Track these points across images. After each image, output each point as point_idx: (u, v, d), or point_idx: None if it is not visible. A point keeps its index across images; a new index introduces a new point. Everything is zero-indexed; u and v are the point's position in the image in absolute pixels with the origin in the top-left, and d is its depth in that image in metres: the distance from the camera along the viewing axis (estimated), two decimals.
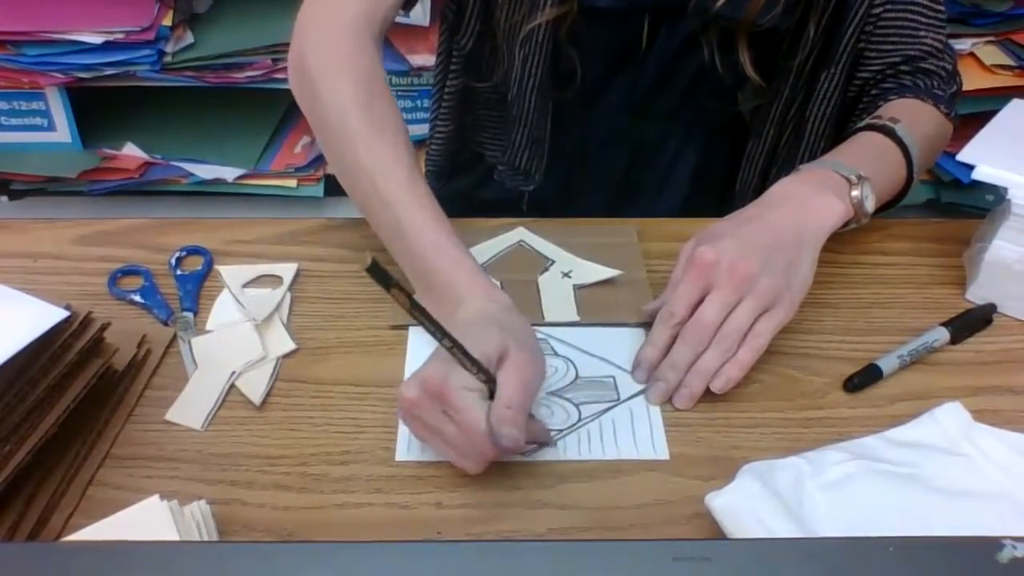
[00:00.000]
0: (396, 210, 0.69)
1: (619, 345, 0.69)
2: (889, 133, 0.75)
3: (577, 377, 0.67)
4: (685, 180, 0.93)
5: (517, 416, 0.56)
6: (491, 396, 0.57)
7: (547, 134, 0.89)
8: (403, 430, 0.62)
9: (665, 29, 0.83)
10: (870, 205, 0.70)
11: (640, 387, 0.66)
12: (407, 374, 0.67)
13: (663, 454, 0.62)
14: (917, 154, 0.75)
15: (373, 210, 0.71)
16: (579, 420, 0.64)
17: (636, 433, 0.63)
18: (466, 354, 0.56)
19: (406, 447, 0.62)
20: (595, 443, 0.62)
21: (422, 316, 0.54)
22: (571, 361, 0.68)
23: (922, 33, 0.82)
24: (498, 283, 0.75)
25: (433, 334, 0.55)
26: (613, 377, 0.67)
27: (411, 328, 0.71)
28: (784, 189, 0.70)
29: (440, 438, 0.58)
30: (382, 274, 0.51)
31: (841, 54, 0.82)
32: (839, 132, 0.88)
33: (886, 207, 0.77)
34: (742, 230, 0.66)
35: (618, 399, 0.65)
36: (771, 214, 0.67)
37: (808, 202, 0.68)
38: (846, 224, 0.70)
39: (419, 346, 0.69)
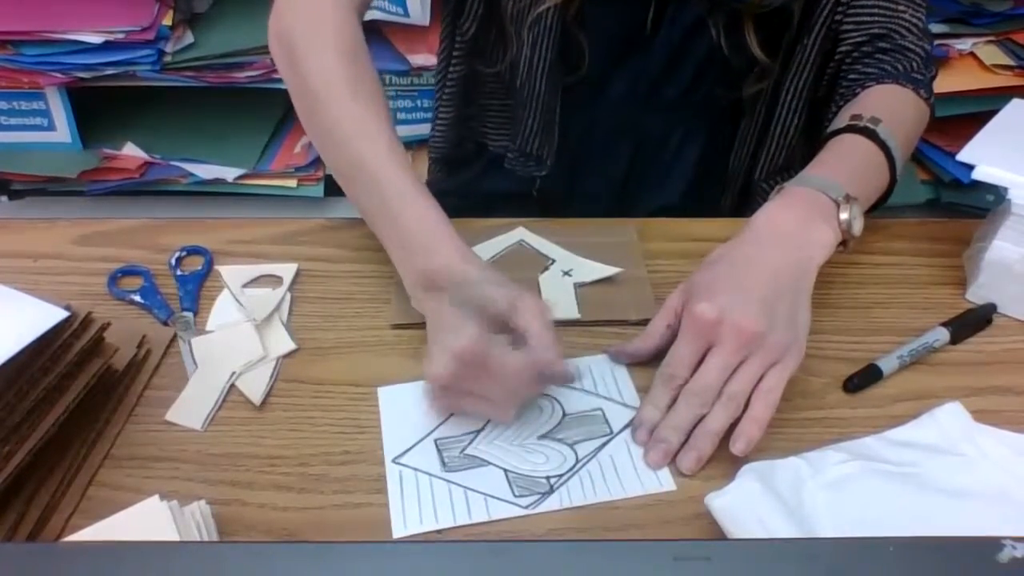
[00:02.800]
0: (377, 173, 0.69)
1: (601, 375, 0.67)
2: (872, 136, 0.73)
3: (564, 414, 0.64)
4: (688, 172, 0.93)
5: (557, 349, 0.61)
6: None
7: (557, 118, 0.89)
8: (394, 501, 0.59)
9: (672, 12, 0.83)
10: (858, 227, 0.68)
11: (631, 415, 0.64)
12: (385, 438, 0.63)
13: (669, 485, 0.60)
14: (900, 155, 0.74)
15: (350, 172, 0.71)
16: (577, 461, 0.61)
17: (637, 466, 0.61)
18: (496, 317, 0.61)
19: (403, 522, 0.58)
20: (598, 483, 0.60)
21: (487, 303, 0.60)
22: (555, 399, 0.65)
23: (901, 8, 0.81)
24: None
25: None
26: (601, 410, 0.65)
27: (378, 388, 0.67)
28: (772, 219, 0.67)
29: (476, 398, 0.61)
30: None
31: (814, 24, 0.81)
32: (814, 112, 0.87)
33: (867, 212, 0.74)
34: (739, 280, 0.63)
35: (611, 432, 0.63)
36: (765, 255, 0.64)
37: (799, 236, 0.65)
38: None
39: (390, 404, 0.66)
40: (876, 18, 0.82)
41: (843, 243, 0.68)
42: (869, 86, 0.80)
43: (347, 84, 0.72)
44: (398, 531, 0.57)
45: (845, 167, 0.71)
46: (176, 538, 0.52)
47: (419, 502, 0.59)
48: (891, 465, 0.58)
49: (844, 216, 0.67)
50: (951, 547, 0.39)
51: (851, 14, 0.82)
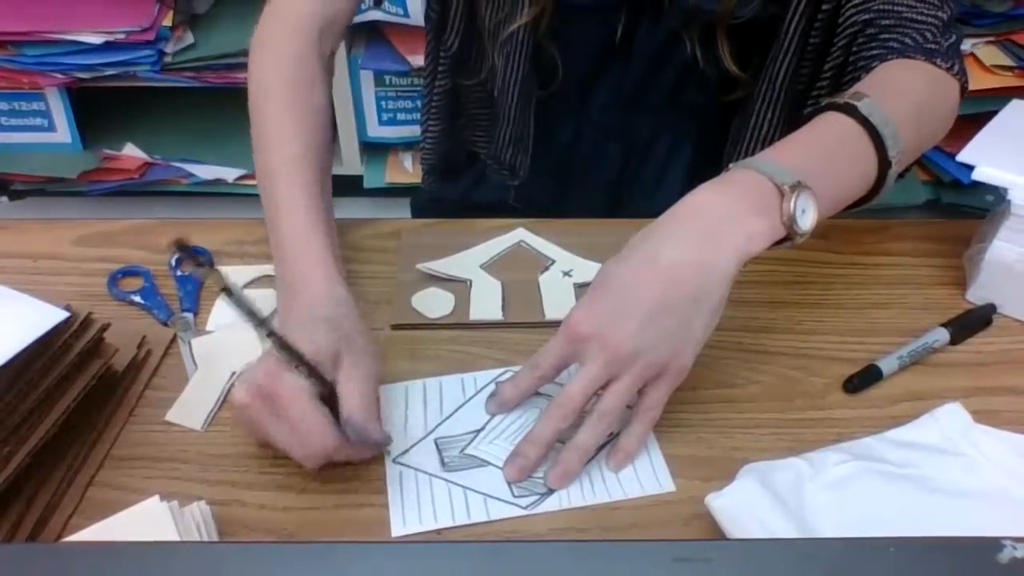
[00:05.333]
0: (275, 181, 0.69)
1: None
2: (851, 112, 0.64)
3: None
4: (682, 174, 0.93)
5: (367, 415, 0.58)
6: (322, 398, 0.57)
7: (530, 130, 0.89)
8: (394, 500, 0.59)
9: (646, 25, 0.83)
10: (807, 221, 0.59)
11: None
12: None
13: (668, 486, 0.60)
14: (894, 132, 0.64)
15: (260, 182, 0.72)
16: None
17: (637, 470, 0.61)
18: (294, 354, 0.56)
19: (402, 521, 0.58)
20: (598, 485, 0.60)
21: (248, 315, 0.55)
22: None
23: None
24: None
25: (261, 332, 0.56)
26: None
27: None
28: (694, 207, 0.60)
29: (274, 438, 0.58)
30: (189, 253, 0.52)
31: (788, 26, 0.79)
32: (801, 106, 0.85)
33: (862, 201, 0.67)
34: (629, 289, 0.58)
35: (611, 433, 0.62)
36: (669, 254, 0.58)
37: (721, 228, 0.58)
38: (780, 242, 0.60)
39: (391, 404, 0.66)
40: None
41: (788, 238, 0.60)
42: (874, 67, 0.72)
43: (281, 93, 0.74)
44: (397, 530, 0.57)
45: (804, 150, 0.63)
46: (176, 538, 0.52)
47: (418, 502, 0.59)
48: (891, 465, 0.58)
49: (788, 206, 0.58)
50: (951, 547, 0.39)
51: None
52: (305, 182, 0.69)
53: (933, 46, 0.73)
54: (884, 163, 0.65)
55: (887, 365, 0.67)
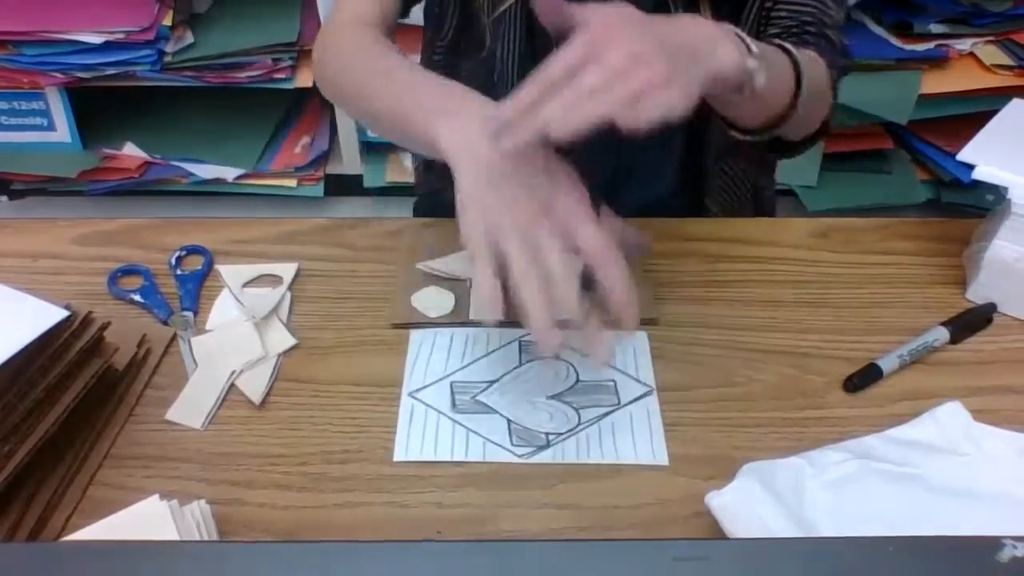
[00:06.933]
0: (395, 75, 0.73)
1: (621, 350, 0.69)
2: (784, 51, 0.72)
3: (578, 380, 0.67)
4: (680, 156, 0.93)
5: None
6: None
7: None
8: (402, 430, 0.63)
9: None
10: (761, 80, 0.65)
11: (642, 391, 0.66)
12: (407, 374, 0.67)
13: (662, 459, 0.61)
14: (806, 82, 0.72)
15: (378, 94, 0.74)
16: (579, 424, 0.63)
17: (636, 438, 0.63)
18: None
19: (405, 449, 0.62)
20: (594, 447, 0.62)
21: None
22: (572, 365, 0.68)
23: (828, 3, 0.82)
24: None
25: None
26: (614, 381, 0.67)
27: (412, 330, 0.71)
28: (696, 20, 0.66)
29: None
30: None
31: (749, 12, 0.82)
32: None
33: (770, 126, 0.74)
34: (648, 19, 0.61)
35: (618, 403, 0.65)
36: (686, 19, 0.65)
37: (714, 39, 0.63)
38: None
39: (419, 345, 0.70)
40: (807, 7, 0.82)
41: (739, 90, 0.65)
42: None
43: (369, 47, 0.78)
44: (399, 456, 0.61)
45: (760, 45, 0.69)
46: (176, 538, 0.52)
47: (423, 435, 0.62)
48: (891, 464, 0.58)
49: (751, 64, 0.64)
50: (951, 547, 0.39)
51: (785, 1, 0.82)
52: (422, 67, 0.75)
53: (834, 68, 0.80)
54: (795, 97, 0.72)
55: (887, 364, 0.67)
